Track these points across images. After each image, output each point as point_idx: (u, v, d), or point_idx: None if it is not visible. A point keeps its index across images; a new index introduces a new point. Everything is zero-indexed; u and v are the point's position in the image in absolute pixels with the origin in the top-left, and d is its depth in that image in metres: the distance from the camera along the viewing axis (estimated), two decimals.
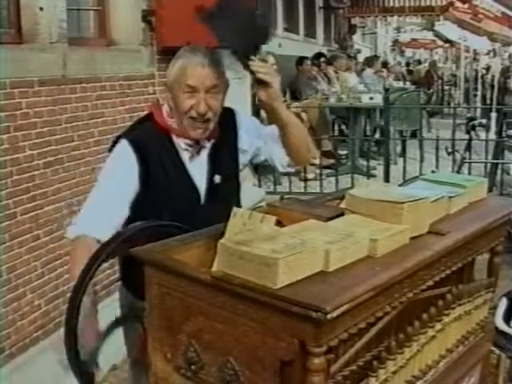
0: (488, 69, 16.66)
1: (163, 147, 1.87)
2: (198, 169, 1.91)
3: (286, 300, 1.12)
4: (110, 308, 1.83)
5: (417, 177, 2.44)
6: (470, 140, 5.93)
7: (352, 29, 14.29)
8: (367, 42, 19.09)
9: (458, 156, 5.90)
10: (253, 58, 1.74)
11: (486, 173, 5.90)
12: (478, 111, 10.66)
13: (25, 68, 2.98)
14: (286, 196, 5.48)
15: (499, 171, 5.95)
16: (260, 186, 6.19)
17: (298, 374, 1.15)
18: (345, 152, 7.50)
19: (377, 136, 8.12)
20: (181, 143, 1.88)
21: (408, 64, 20.80)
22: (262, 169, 5.59)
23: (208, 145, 1.92)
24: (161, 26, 4.02)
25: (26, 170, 2.99)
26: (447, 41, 17.15)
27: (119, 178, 1.83)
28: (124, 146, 1.85)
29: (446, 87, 15.86)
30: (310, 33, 11.51)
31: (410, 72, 17.25)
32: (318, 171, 6.50)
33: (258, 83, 1.78)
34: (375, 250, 1.33)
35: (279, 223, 1.48)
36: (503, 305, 2.84)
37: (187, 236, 1.52)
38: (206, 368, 1.30)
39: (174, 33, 3.85)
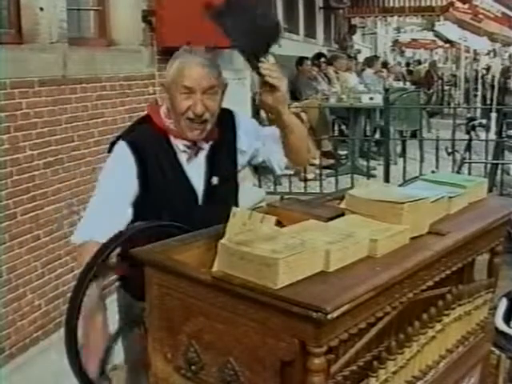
0: (488, 69, 16.65)
1: (161, 148, 1.87)
2: (196, 170, 1.90)
3: (287, 300, 1.12)
4: (109, 309, 1.83)
5: (417, 177, 2.44)
6: (470, 140, 5.93)
7: (352, 29, 14.28)
8: (367, 43, 19.08)
9: (458, 156, 5.89)
10: (263, 59, 1.72)
11: (485, 173, 5.89)
12: (478, 111, 10.65)
13: (25, 68, 2.98)
14: (286, 196, 5.49)
15: (499, 171, 5.95)
16: (260, 186, 6.18)
17: (299, 374, 1.15)
18: (345, 152, 7.49)
19: (377, 136, 8.12)
20: (179, 145, 1.88)
21: (408, 64, 20.79)
22: (262, 169, 5.58)
23: (206, 146, 1.92)
24: (161, 26, 4.03)
25: (26, 170, 2.99)
26: (447, 41, 17.15)
27: (118, 179, 1.83)
28: (122, 147, 1.85)
29: (446, 87, 15.85)
30: (310, 33, 11.50)
31: (410, 72, 17.24)
32: (317, 171, 6.50)
33: (266, 86, 1.76)
34: (375, 250, 1.33)
35: (279, 223, 1.48)
36: (503, 305, 2.84)
37: (187, 236, 1.52)
38: (207, 368, 1.30)
39: (174, 33, 3.85)
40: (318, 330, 1.10)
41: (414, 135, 8.01)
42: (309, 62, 8.51)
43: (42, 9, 3.08)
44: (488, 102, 12.28)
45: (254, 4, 1.75)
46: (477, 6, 11.96)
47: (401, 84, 11.05)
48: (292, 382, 1.17)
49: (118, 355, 1.78)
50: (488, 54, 18.20)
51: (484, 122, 6.51)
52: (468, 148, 5.90)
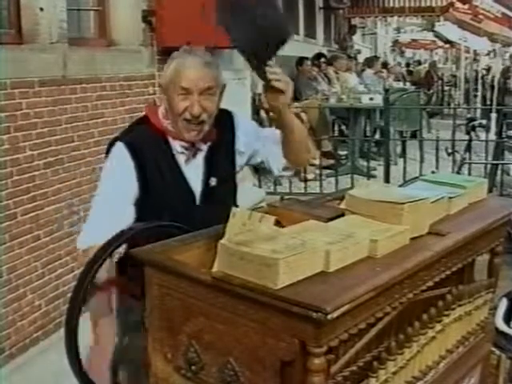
0: (488, 69, 16.66)
1: (159, 150, 1.86)
2: (194, 171, 1.90)
3: (287, 300, 1.12)
4: None
5: (417, 177, 2.44)
6: (470, 141, 5.93)
7: (352, 29, 14.27)
8: (367, 43, 19.08)
9: (458, 157, 5.90)
10: (270, 63, 1.70)
11: (485, 173, 5.89)
12: (478, 112, 10.66)
13: (25, 68, 2.98)
14: (286, 196, 5.49)
15: (499, 172, 5.95)
16: (260, 187, 6.18)
17: (299, 374, 1.15)
18: (345, 152, 7.49)
19: (377, 136, 8.12)
20: (177, 146, 1.87)
21: (408, 65, 20.79)
22: (262, 169, 5.58)
23: (204, 147, 1.91)
24: (161, 27, 4.03)
25: (26, 170, 2.99)
26: (447, 41, 17.13)
27: (117, 180, 1.82)
28: (120, 148, 1.84)
29: (446, 88, 15.85)
30: (310, 33, 11.50)
31: (410, 73, 17.24)
32: (317, 172, 6.50)
33: (271, 90, 1.75)
34: (375, 251, 1.33)
35: (279, 224, 1.48)
36: (503, 305, 2.84)
37: (187, 236, 1.52)
38: (207, 368, 1.30)
39: (174, 33, 3.85)
40: (318, 330, 1.10)
41: (414, 135, 8.02)
42: (309, 62, 8.51)
43: (41, 9, 3.08)
44: (488, 102, 12.29)
45: (255, 4, 1.73)
46: (477, 7, 11.95)
47: (401, 84, 11.06)
48: (292, 382, 1.17)
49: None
50: (488, 54, 18.19)
51: (484, 122, 6.52)
52: (468, 148, 5.91)
